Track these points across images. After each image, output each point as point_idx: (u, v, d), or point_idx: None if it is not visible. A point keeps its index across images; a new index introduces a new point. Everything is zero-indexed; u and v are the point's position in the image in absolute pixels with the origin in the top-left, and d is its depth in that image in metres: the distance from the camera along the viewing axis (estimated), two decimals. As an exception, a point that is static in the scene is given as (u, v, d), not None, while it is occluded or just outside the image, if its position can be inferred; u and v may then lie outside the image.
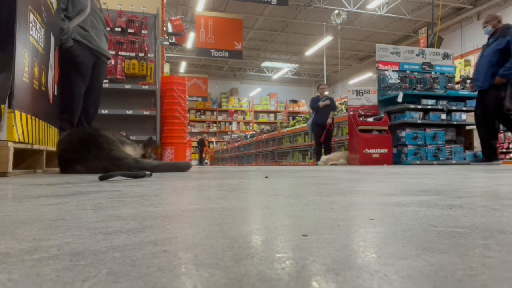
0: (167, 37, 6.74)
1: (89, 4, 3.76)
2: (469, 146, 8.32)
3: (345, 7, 14.62)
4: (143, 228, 0.61)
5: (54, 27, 3.53)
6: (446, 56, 9.00)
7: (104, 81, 5.49)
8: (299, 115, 17.76)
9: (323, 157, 8.42)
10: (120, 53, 5.93)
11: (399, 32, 17.71)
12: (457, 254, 0.44)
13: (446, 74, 8.76)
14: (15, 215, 0.78)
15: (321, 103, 8.81)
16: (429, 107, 7.93)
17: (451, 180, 1.91)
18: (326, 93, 9.17)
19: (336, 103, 9.54)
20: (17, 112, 2.61)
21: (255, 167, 6.41)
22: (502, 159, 10.21)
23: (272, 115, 23.98)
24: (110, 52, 4.94)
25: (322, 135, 8.80)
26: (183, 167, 3.32)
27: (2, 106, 2.46)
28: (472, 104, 8.23)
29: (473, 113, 8.32)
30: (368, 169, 4.12)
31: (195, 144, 20.22)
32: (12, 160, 2.55)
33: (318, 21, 16.39)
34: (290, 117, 16.15)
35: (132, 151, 3.03)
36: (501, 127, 9.98)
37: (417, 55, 8.82)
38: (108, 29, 4.51)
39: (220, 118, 23.47)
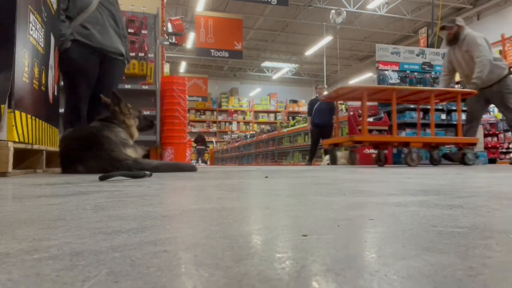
0: (167, 37, 6.74)
1: (95, 0, 3.60)
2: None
3: (345, 7, 14.62)
4: (143, 228, 0.61)
5: (54, 27, 3.53)
6: (446, 56, 9.00)
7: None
8: (299, 115, 17.76)
9: (325, 158, 8.44)
10: (120, 53, 5.92)
11: (399, 32, 17.70)
12: (457, 254, 0.44)
13: (446, 74, 8.75)
14: (15, 215, 0.78)
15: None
16: (429, 107, 7.92)
17: (451, 180, 1.91)
18: (325, 93, 9.19)
19: (336, 103, 9.54)
20: (17, 112, 2.61)
21: (255, 167, 6.41)
22: (501, 159, 10.21)
23: (272, 115, 23.97)
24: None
25: (318, 136, 8.85)
26: (185, 168, 3.31)
27: (2, 106, 2.46)
28: (472, 104, 8.23)
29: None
30: (368, 169, 4.12)
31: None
32: (12, 160, 2.55)
33: (318, 21, 16.38)
34: (290, 117, 16.15)
35: (133, 153, 3.02)
36: (503, 126, 9.87)
37: (417, 55, 8.82)
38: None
39: (220, 118, 23.46)
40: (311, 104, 9.10)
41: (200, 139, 20.11)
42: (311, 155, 9.04)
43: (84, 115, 3.69)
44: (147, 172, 2.21)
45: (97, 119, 3.24)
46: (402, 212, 0.78)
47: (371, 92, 5.67)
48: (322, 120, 8.76)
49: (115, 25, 3.79)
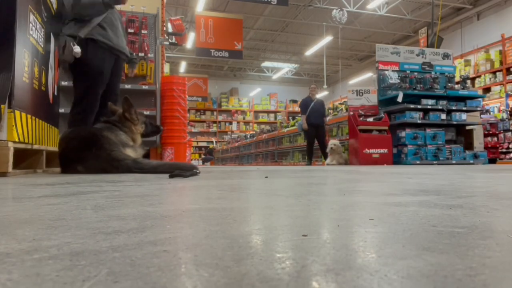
0: (167, 37, 6.73)
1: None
2: (469, 146, 8.31)
3: (345, 7, 14.61)
4: (143, 228, 0.61)
5: (54, 27, 3.53)
6: (446, 56, 9.00)
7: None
8: (299, 115, 17.74)
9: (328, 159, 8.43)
10: (120, 53, 5.91)
11: (399, 32, 17.69)
12: (457, 254, 0.44)
13: (446, 74, 8.76)
14: (15, 215, 0.78)
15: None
16: (429, 107, 7.93)
17: (451, 180, 1.91)
18: (323, 93, 9.19)
19: (336, 103, 9.54)
20: (17, 112, 2.61)
21: (255, 167, 6.41)
22: (501, 159, 10.22)
23: (272, 115, 23.97)
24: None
25: (314, 135, 8.85)
26: (185, 168, 3.30)
27: (2, 106, 2.46)
28: (471, 104, 8.23)
29: (473, 113, 8.33)
30: (368, 169, 4.12)
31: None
32: (12, 160, 2.55)
33: (318, 21, 16.38)
34: (290, 117, 16.14)
35: (132, 152, 3.02)
36: (503, 126, 9.82)
37: (417, 55, 8.82)
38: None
39: (220, 118, 23.46)
40: (305, 103, 9.06)
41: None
42: (309, 155, 9.05)
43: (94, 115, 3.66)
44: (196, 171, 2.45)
45: (101, 121, 3.25)
46: (402, 212, 0.78)
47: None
48: (317, 120, 8.78)
49: (122, 28, 3.82)
